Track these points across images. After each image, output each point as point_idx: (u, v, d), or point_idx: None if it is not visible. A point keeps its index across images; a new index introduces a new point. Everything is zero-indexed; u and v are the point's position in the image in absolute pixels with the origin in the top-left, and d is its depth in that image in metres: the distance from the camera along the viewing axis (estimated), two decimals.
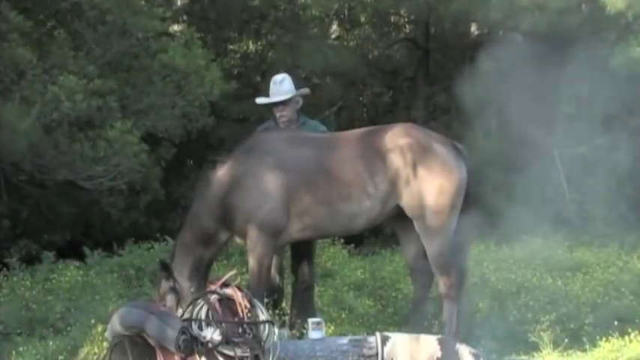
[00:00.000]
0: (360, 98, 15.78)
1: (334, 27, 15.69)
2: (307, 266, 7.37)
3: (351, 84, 14.88)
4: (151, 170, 10.79)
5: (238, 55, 14.62)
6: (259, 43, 14.75)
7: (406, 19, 16.04)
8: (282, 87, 7.21)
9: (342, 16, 15.24)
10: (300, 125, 7.27)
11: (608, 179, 12.22)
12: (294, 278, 7.41)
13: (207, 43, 12.43)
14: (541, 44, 11.01)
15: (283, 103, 7.18)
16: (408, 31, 16.19)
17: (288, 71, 12.29)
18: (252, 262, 6.71)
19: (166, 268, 6.71)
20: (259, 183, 6.65)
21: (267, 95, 7.29)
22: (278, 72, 13.24)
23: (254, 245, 6.67)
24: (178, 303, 6.67)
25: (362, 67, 14.61)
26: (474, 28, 14.92)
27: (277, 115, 7.21)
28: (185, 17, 13.68)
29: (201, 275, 6.85)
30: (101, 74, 9.57)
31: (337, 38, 15.56)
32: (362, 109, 15.91)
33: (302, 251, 7.28)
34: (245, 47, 14.79)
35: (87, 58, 9.59)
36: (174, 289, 6.71)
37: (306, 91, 7.42)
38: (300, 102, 7.32)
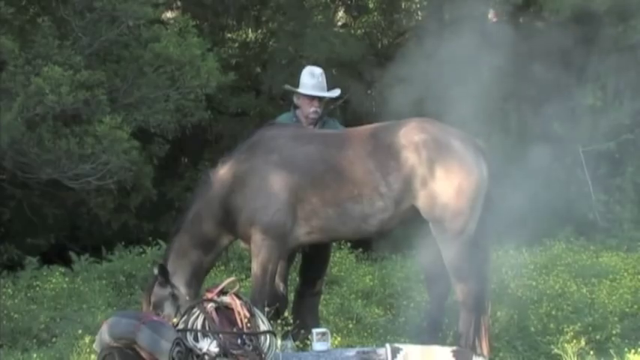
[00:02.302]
0: (369, 91, 15.76)
1: (340, 14, 15.68)
2: (321, 271, 7.41)
3: (359, 75, 14.87)
4: (143, 168, 10.79)
5: (237, 44, 14.63)
6: (259, 31, 14.75)
7: (418, 6, 16.03)
8: (324, 82, 7.30)
9: (349, 2, 15.24)
10: (321, 125, 7.31)
11: (637, 178, 12.21)
12: (301, 281, 7.41)
13: (203, 32, 12.43)
14: (564, 32, 11.00)
15: (320, 99, 7.27)
16: (420, 18, 16.17)
17: (291, 61, 12.31)
18: (255, 267, 6.71)
19: (164, 273, 6.67)
20: (264, 183, 6.65)
21: (294, 86, 7.36)
22: (280, 62, 13.31)
23: (258, 249, 6.67)
24: (178, 311, 6.63)
25: (370, 57, 14.61)
26: (491, 15, 14.91)
27: (311, 109, 7.23)
28: (179, 3, 13.69)
29: (200, 282, 6.84)
30: (88, 65, 9.57)
31: (344, 26, 15.55)
32: (370, 103, 15.90)
33: (319, 254, 7.31)
34: (244, 36, 14.79)
35: (73, 47, 9.59)
36: (174, 296, 6.67)
37: (338, 92, 7.56)
38: None
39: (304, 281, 7.39)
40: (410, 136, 6.62)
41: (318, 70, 7.36)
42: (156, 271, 6.75)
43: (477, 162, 6.67)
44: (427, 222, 6.65)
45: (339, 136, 6.99)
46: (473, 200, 6.62)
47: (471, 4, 13.77)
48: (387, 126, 6.92)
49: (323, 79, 7.30)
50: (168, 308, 6.69)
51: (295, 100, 7.35)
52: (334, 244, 10.07)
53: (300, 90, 7.27)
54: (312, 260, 7.37)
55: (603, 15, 11.61)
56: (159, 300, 6.71)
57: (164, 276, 6.67)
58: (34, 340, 7.79)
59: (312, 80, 7.26)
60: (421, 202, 6.59)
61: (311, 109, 7.24)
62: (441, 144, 6.62)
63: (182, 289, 6.72)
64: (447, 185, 6.56)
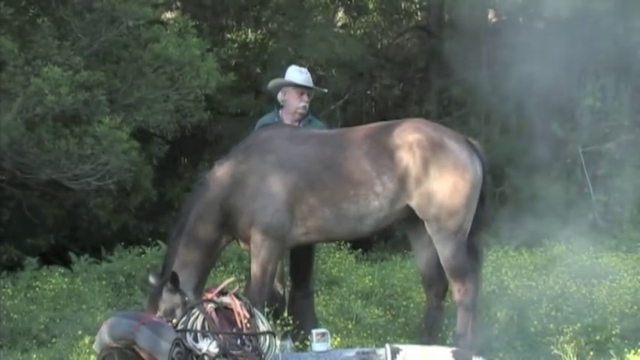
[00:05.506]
0: (368, 91, 15.80)
1: (340, 14, 15.73)
2: (307, 272, 7.38)
3: (359, 76, 14.90)
4: (142, 169, 10.81)
5: (236, 45, 14.66)
6: (259, 31, 14.78)
7: (417, 6, 16.08)
8: (309, 76, 7.36)
9: (349, 3, 15.28)
10: (306, 122, 7.32)
11: (637, 179, 12.22)
12: (292, 284, 7.41)
13: (203, 32, 12.46)
14: (564, 32, 11.02)
15: (309, 93, 7.33)
16: (419, 18, 16.22)
17: (291, 62, 12.34)
18: (255, 267, 6.71)
19: (176, 280, 6.49)
20: (262, 183, 6.66)
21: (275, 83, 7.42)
22: (279, 63, 13.31)
23: (258, 250, 6.68)
24: None
25: (370, 57, 14.64)
26: (491, 15, 14.93)
27: (301, 104, 7.26)
28: (179, 4, 13.71)
29: (204, 285, 6.81)
30: (88, 65, 9.58)
31: (343, 26, 15.59)
32: (370, 103, 15.95)
33: (302, 255, 7.29)
34: (244, 36, 14.82)
35: (73, 48, 9.60)
36: (185, 304, 6.51)
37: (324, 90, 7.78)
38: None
39: (294, 284, 7.39)
40: (404, 135, 6.65)
41: (304, 69, 7.43)
42: (152, 278, 6.65)
43: (471, 161, 6.70)
44: (423, 222, 6.67)
45: (335, 136, 7.01)
46: (468, 199, 6.65)
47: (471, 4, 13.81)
48: (382, 126, 6.94)
49: (310, 77, 7.35)
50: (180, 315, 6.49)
51: (281, 96, 7.35)
52: (333, 244, 10.12)
53: (294, 80, 7.29)
54: (297, 262, 7.35)
55: (604, 15, 11.61)
56: (171, 308, 6.48)
57: (175, 283, 6.49)
58: (34, 341, 7.80)
59: (300, 76, 7.30)
60: (416, 201, 6.62)
61: (300, 104, 7.26)
62: (435, 143, 6.65)
63: (191, 295, 6.61)
64: (441, 184, 6.59)
